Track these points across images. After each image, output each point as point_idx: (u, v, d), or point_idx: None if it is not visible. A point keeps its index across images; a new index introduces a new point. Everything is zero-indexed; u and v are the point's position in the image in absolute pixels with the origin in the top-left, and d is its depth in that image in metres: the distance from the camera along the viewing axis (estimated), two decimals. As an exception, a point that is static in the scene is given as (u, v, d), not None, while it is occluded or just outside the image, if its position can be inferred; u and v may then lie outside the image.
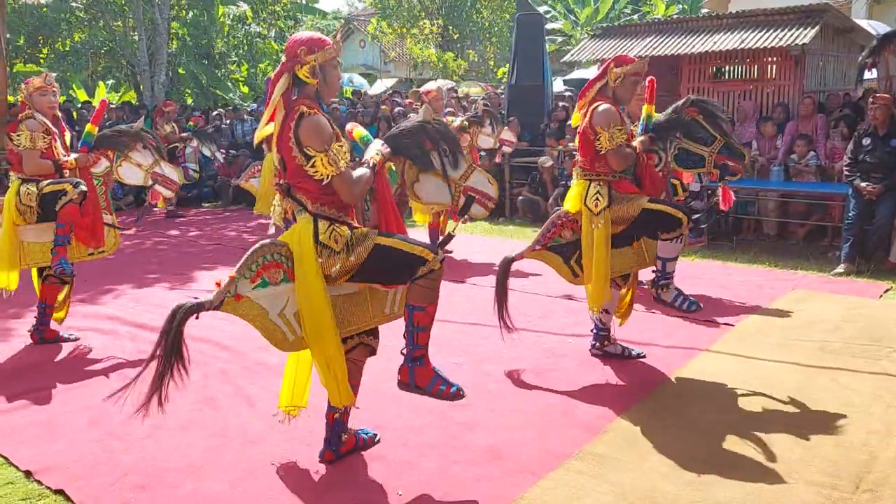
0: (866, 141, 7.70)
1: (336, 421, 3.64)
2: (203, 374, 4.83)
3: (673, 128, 4.91)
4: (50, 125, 5.35)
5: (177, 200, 12.35)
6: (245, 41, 20.76)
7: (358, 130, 3.95)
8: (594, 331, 5.07)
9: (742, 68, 11.01)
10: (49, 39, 18.55)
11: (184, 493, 3.42)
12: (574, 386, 4.60)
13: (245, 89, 21.87)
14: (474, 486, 3.43)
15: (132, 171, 5.82)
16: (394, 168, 3.73)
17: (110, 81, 22.66)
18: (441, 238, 8.09)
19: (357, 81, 24.82)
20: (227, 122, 15.52)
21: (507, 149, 9.43)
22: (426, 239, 8.40)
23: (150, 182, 5.93)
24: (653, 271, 4.89)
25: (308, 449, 3.79)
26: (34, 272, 5.56)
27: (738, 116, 10.07)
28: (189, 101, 19.96)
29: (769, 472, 3.48)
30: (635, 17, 27.68)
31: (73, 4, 18.61)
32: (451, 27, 28.42)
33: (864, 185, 7.54)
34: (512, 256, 4.79)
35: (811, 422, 3.99)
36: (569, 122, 10.04)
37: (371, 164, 3.48)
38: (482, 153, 9.84)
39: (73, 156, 5.42)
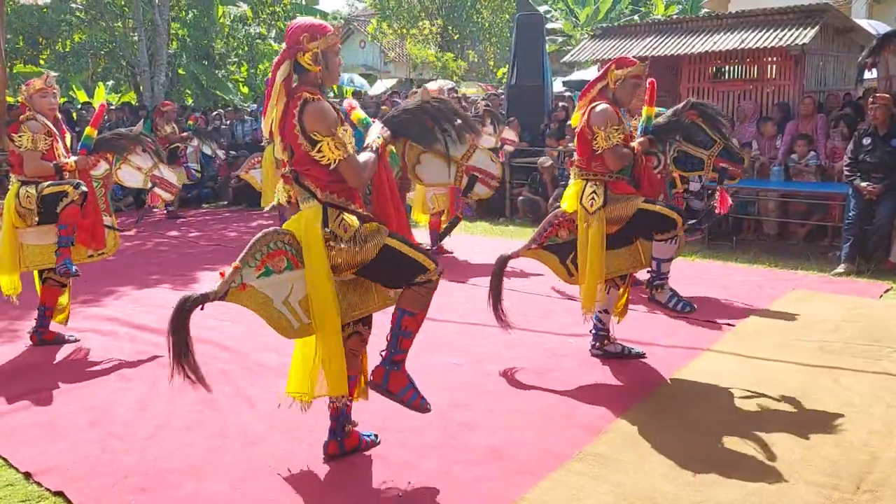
0: (866, 141, 7.70)
1: (339, 411, 3.64)
2: (203, 374, 4.81)
3: (672, 130, 4.91)
4: (51, 126, 5.35)
5: (178, 202, 12.38)
6: (245, 42, 20.75)
7: (357, 112, 3.89)
8: (593, 331, 5.07)
9: (742, 68, 11.01)
10: (49, 40, 18.54)
11: (184, 495, 3.41)
12: (574, 386, 4.60)
13: (245, 90, 21.86)
14: (475, 486, 3.43)
15: (131, 174, 5.84)
16: (395, 151, 3.71)
17: (110, 82, 22.64)
18: (444, 227, 8.06)
19: (357, 82, 24.80)
20: (228, 122, 15.51)
21: (508, 148, 9.43)
22: (427, 238, 8.40)
23: (149, 185, 5.94)
24: (648, 272, 4.90)
25: (309, 449, 3.79)
26: (36, 274, 5.56)
27: (738, 116, 10.07)
28: (189, 101, 19.95)
29: (769, 472, 3.47)
30: (635, 17, 27.68)
31: (73, 5, 18.60)
32: (450, 27, 28.41)
33: (864, 184, 7.54)
34: (508, 254, 4.81)
35: (811, 422, 3.99)
36: (569, 123, 10.03)
37: (374, 148, 3.48)
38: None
39: (73, 158, 5.42)
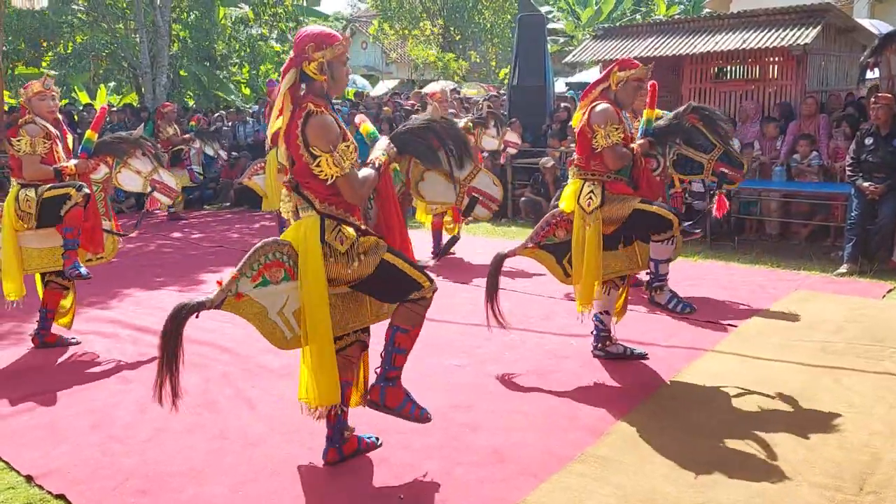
0: (869, 141, 7.68)
1: (336, 418, 3.63)
2: (204, 377, 4.82)
3: (673, 133, 4.92)
4: (51, 129, 5.34)
5: (183, 203, 12.40)
6: (247, 43, 20.76)
7: (366, 125, 3.91)
8: (595, 332, 5.06)
9: (744, 68, 10.99)
10: (51, 42, 18.56)
11: (185, 498, 3.41)
12: (576, 387, 4.59)
13: (247, 91, 21.87)
14: (477, 488, 3.42)
15: (131, 178, 5.82)
16: (398, 168, 3.72)
17: (112, 84, 22.66)
18: (446, 241, 8.09)
19: (360, 83, 24.82)
20: (229, 123, 15.52)
21: (511, 150, 9.41)
22: (429, 239, 8.41)
23: (148, 189, 5.93)
24: (647, 273, 4.89)
25: (309, 452, 3.78)
26: (37, 277, 5.55)
27: (740, 117, 10.06)
28: (191, 102, 19.96)
29: (772, 473, 3.46)
30: (637, 17, 27.67)
31: (75, 7, 18.62)
32: (452, 28, 28.42)
33: (866, 184, 7.53)
34: (504, 253, 4.83)
35: (814, 423, 3.98)
36: (570, 124, 10.03)
37: (376, 165, 3.47)
38: (485, 155, 9.84)
39: (73, 161, 5.41)
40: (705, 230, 8.96)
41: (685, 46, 10.52)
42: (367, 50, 36.34)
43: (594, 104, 4.63)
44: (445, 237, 8.37)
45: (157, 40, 17.46)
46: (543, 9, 24.45)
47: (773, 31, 9.90)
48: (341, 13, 43.92)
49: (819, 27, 9.60)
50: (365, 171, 3.41)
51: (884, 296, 6.60)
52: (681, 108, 4.99)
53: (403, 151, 3.71)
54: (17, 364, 5.28)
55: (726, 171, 5.02)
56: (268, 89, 11.80)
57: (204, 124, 14.24)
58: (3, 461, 3.78)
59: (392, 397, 3.54)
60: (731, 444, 3.77)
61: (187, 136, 12.27)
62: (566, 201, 4.79)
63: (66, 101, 18.99)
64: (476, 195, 3.84)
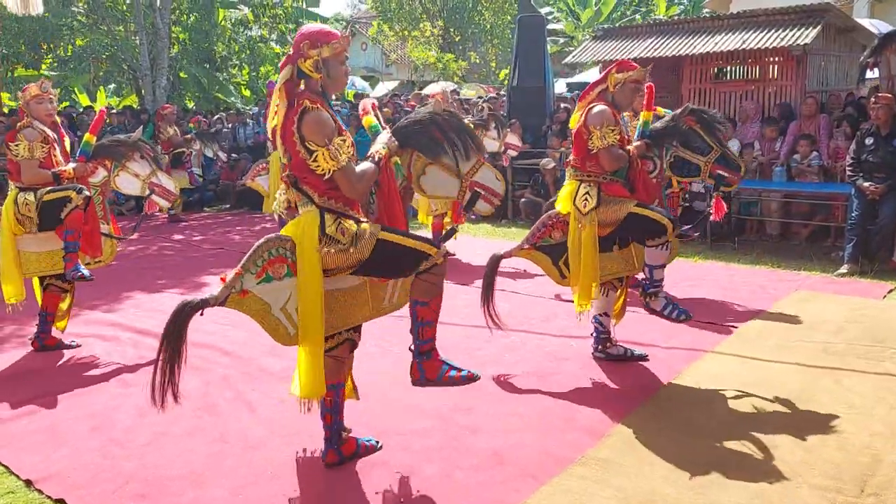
0: (869, 141, 7.68)
1: (333, 419, 3.63)
2: (204, 380, 4.82)
3: (670, 135, 4.91)
4: (49, 133, 5.33)
5: (182, 205, 12.39)
6: (246, 45, 20.76)
7: (368, 118, 3.88)
8: (594, 334, 5.06)
9: (744, 68, 10.99)
10: (51, 45, 18.56)
11: (185, 501, 3.40)
12: (576, 389, 4.59)
13: (247, 93, 21.86)
14: (477, 491, 3.42)
15: (129, 181, 5.81)
16: (399, 162, 3.70)
17: (112, 86, 22.66)
18: (444, 232, 8.06)
19: (359, 84, 24.83)
20: (229, 125, 15.51)
21: (512, 152, 9.40)
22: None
23: (147, 192, 5.92)
24: (642, 279, 4.89)
25: (310, 454, 3.78)
26: (35, 280, 5.55)
27: (739, 117, 10.06)
28: (191, 104, 19.96)
29: (772, 475, 3.46)
30: (637, 17, 27.66)
31: (74, 9, 18.61)
32: (452, 29, 28.42)
33: (867, 184, 7.52)
34: (500, 254, 4.84)
35: (814, 424, 3.97)
36: (569, 125, 10.04)
37: (376, 159, 3.46)
38: (486, 156, 9.81)
39: (71, 165, 5.40)
40: (705, 231, 8.97)
41: (685, 47, 10.52)
42: (367, 51, 36.34)
43: (591, 106, 4.63)
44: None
45: (157, 42, 17.46)
46: (543, 10, 24.45)
47: (773, 31, 9.90)
48: (341, 14, 43.98)
49: (819, 27, 9.60)
50: (363, 165, 3.41)
51: (884, 296, 6.59)
52: (678, 111, 4.99)
53: (405, 145, 3.69)
54: (17, 367, 5.27)
55: (723, 173, 5.02)
56: (267, 91, 11.81)
57: (204, 126, 14.23)
58: (3, 465, 3.77)
59: (430, 370, 3.54)
60: (731, 445, 3.76)
61: (188, 136, 12.26)
62: (562, 203, 4.79)
63: (67, 103, 18.99)
64: (478, 189, 3.82)
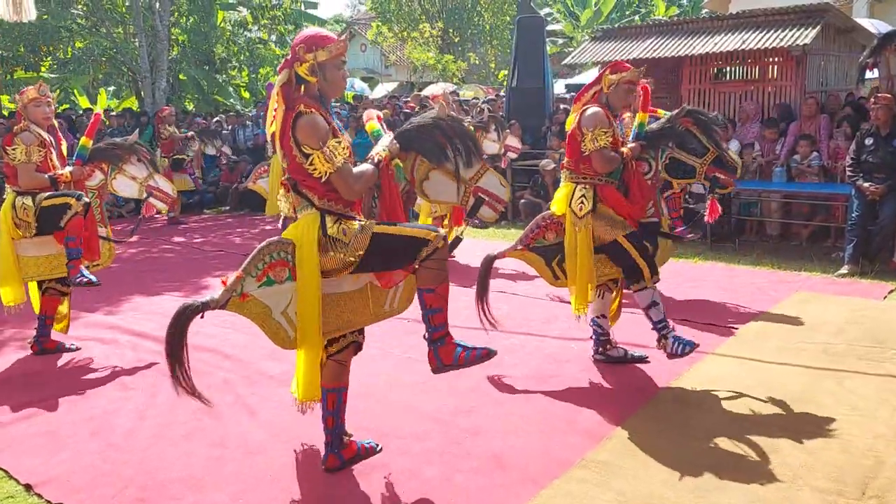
0: (869, 141, 7.67)
1: (335, 423, 3.62)
2: (205, 383, 4.76)
3: (665, 137, 4.90)
4: (45, 136, 5.31)
5: (180, 207, 12.36)
6: (246, 47, 20.75)
7: (372, 123, 3.87)
8: (594, 336, 5.05)
9: (743, 69, 10.98)
10: (50, 47, 18.55)
11: (185, 506, 3.40)
12: (577, 392, 4.58)
13: (246, 95, 21.86)
14: (477, 495, 3.41)
15: (126, 184, 5.80)
16: (401, 165, 3.69)
17: (111, 88, 22.66)
18: (450, 241, 8.05)
19: (358, 86, 24.82)
20: (229, 127, 15.48)
21: (512, 155, 9.40)
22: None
23: (144, 195, 5.90)
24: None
25: (310, 459, 3.78)
26: (31, 284, 5.53)
27: (739, 117, 10.05)
28: (190, 106, 19.95)
29: (773, 477, 3.45)
30: (636, 18, 27.66)
31: (74, 11, 18.61)
32: (451, 30, 28.41)
33: (867, 185, 7.51)
34: (494, 255, 4.84)
35: (815, 426, 3.96)
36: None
37: (376, 161, 3.46)
38: (486, 158, 9.81)
39: (68, 168, 5.39)
40: (705, 232, 8.95)
41: (684, 48, 10.51)
42: (367, 52, 36.33)
43: (585, 108, 4.64)
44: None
45: (157, 44, 17.46)
46: (543, 11, 24.46)
47: (773, 31, 9.89)
48: (341, 15, 44.01)
49: (818, 27, 9.58)
50: (362, 167, 3.41)
51: (885, 297, 6.58)
52: (674, 112, 4.98)
53: (408, 148, 3.68)
54: (17, 371, 5.27)
55: (719, 175, 5.01)
56: (267, 93, 11.80)
57: (203, 126, 14.19)
58: (2, 469, 3.77)
59: (445, 355, 3.54)
60: (732, 448, 3.75)
61: (188, 133, 12.23)
62: (557, 205, 4.80)
63: (66, 105, 18.99)
64: (482, 196, 3.78)
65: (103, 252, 5.55)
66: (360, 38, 35.54)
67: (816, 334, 5.46)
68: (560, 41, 28.04)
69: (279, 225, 9.33)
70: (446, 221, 8.11)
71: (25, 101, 5.29)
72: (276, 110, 3.33)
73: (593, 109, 4.58)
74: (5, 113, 15.94)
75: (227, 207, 13.81)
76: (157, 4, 17.44)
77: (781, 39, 9.63)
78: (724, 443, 3.80)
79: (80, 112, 16.33)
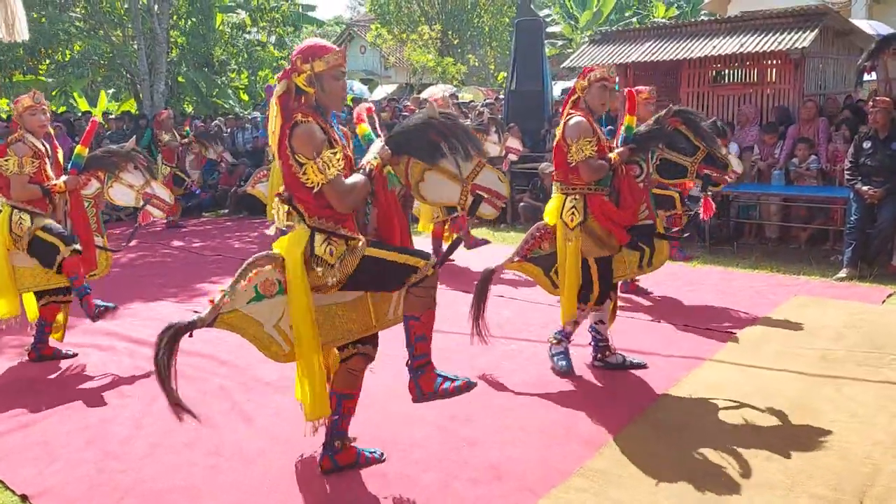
0: (867, 144, 7.66)
1: (334, 422, 3.62)
2: (201, 390, 4.78)
3: (654, 139, 4.89)
4: (40, 146, 5.27)
5: (179, 212, 12.35)
6: (244, 49, 20.74)
7: (363, 126, 3.83)
8: (593, 343, 5.05)
9: (742, 72, 10.98)
10: (49, 50, 18.53)
11: (181, 515, 3.39)
12: (575, 399, 4.57)
13: (245, 97, 21.85)
14: (475, 504, 3.40)
15: (123, 192, 5.75)
16: (393, 171, 3.60)
17: (111, 90, 22.65)
18: (449, 244, 8.02)
19: (357, 89, 24.80)
20: (228, 130, 15.47)
21: (513, 157, 9.39)
22: (429, 247, 8.38)
23: (141, 203, 5.85)
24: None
25: (307, 465, 3.76)
26: (26, 295, 5.50)
27: (738, 120, 10.04)
28: (189, 109, 19.94)
29: (771, 485, 3.44)
30: (635, 19, 27.65)
31: (73, 15, 18.60)
32: (450, 32, 28.41)
33: (865, 188, 7.51)
34: (492, 268, 4.84)
35: (814, 434, 3.95)
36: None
37: (367, 170, 3.42)
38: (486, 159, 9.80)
39: (63, 178, 5.33)
40: (704, 235, 8.95)
41: (683, 51, 10.51)
42: (366, 54, 36.32)
43: (568, 118, 4.66)
44: (445, 245, 8.38)
45: (155, 47, 17.44)
46: (542, 12, 24.46)
47: (771, 34, 9.90)
48: (341, 17, 44.00)
49: (816, 30, 9.59)
50: (353, 178, 3.36)
51: (883, 301, 6.57)
52: (662, 112, 4.96)
53: (400, 152, 3.56)
54: (12, 378, 5.26)
55: (710, 173, 5.01)
56: (266, 95, 11.77)
57: (200, 129, 14.16)
58: (-1, 480, 3.76)
59: (426, 384, 3.53)
60: (730, 455, 3.74)
61: (185, 140, 12.21)
62: (549, 216, 4.83)
63: (64, 108, 18.97)
64: (481, 193, 3.72)
65: (100, 261, 5.51)
66: (360, 39, 35.52)
67: (815, 339, 5.46)
68: (559, 43, 28.03)
69: (271, 232, 9.30)
70: (447, 225, 8.12)
71: (20, 109, 5.24)
72: (273, 119, 3.32)
73: (576, 119, 4.60)
74: (3, 116, 15.92)
75: (226, 210, 13.80)
76: (156, 7, 17.43)
77: (780, 42, 9.63)
78: (722, 451, 3.79)
79: (79, 115, 16.32)
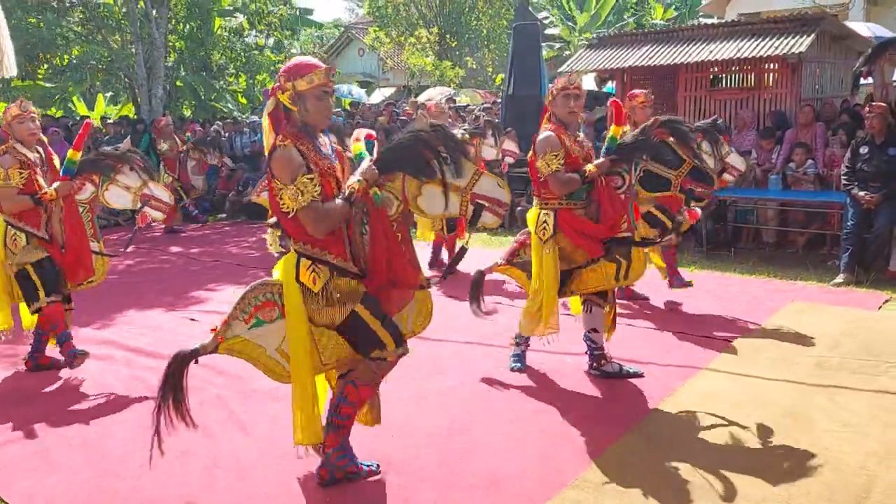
0: (864, 149, 7.67)
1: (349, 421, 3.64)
2: (198, 400, 4.76)
3: (638, 150, 4.84)
4: (28, 156, 5.19)
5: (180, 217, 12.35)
6: (242, 53, 20.74)
7: (356, 146, 3.78)
8: (588, 351, 5.05)
9: (739, 76, 10.99)
10: (47, 55, 18.53)
11: (177, 528, 3.40)
12: (571, 408, 4.57)
13: (243, 101, 21.84)
14: (470, 516, 3.41)
15: (119, 195, 5.62)
16: (378, 192, 3.53)
17: (109, 94, 22.62)
18: (453, 257, 8.02)
19: (355, 93, 24.76)
20: (226, 134, 15.45)
21: (509, 159, 9.39)
22: (428, 254, 8.39)
23: (139, 204, 5.72)
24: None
25: (304, 476, 3.77)
26: (22, 304, 5.48)
27: (736, 125, 10.05)
28: (187, 113, 19.93)
29: (766, 497, 3.45)
30: (632, 20, 27.65)
31: (71, 20, 18.60)
32: (448, 35, 28.39)
33: (862, 193, 7.52)
34: (483, 270, 4.98)
35: (808, 444, 3.96)
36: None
37: (346, 194, 3.32)
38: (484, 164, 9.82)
39: (55, 185, 5.21)
40: (701, 240, 8.95)
41: (680, 55, 10.51)
42: (364, 57, 36.31)
43: (540, 132, 4.69)
44: (446, 250, 8.41)
45: (153, 52, 17.44)
46: (540, 14, 24.45)
47: (769, 39, 9.91)
48: (340, 20, 43.97)
49: (814, 35, 9.60)
50: (331, 204, 3.28)
51: (880, 307, 6.58)
52: (648, 122, 4.90)
53: (390, 170, 3.48)
54: (9, 388, 5.26)
55: (694, 188, 4.97)
56: (264, 98, 11.73)
57: (200, 135, 14.16)
58: (-4, 492, 3.76)
59: (330, 441, 3.56)
60: (724, 466, 3.74)
61: (183, 148, 12.20)
62: (529, 224, 4.89)
63: (62, 112, 18.96)
64: (481, 202, 3.68)
65: (97, 267, 5.47)
66: (358, 42, 35.51)
67: (811, 347, 5.46)
68: (557, 45, 28.03)
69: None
70: (446, 231, 8.13)
71: (9, 118, 5.16)
72: (267, 136, 3.33)
73: (544, 134, 4.64)
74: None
75: (224, 215, 13.79)
76: (154, 12, 17.42)
77: (777, 47, 9.64)
78: (716, 461, 3.79)
79: (77, 119, 16.31)
